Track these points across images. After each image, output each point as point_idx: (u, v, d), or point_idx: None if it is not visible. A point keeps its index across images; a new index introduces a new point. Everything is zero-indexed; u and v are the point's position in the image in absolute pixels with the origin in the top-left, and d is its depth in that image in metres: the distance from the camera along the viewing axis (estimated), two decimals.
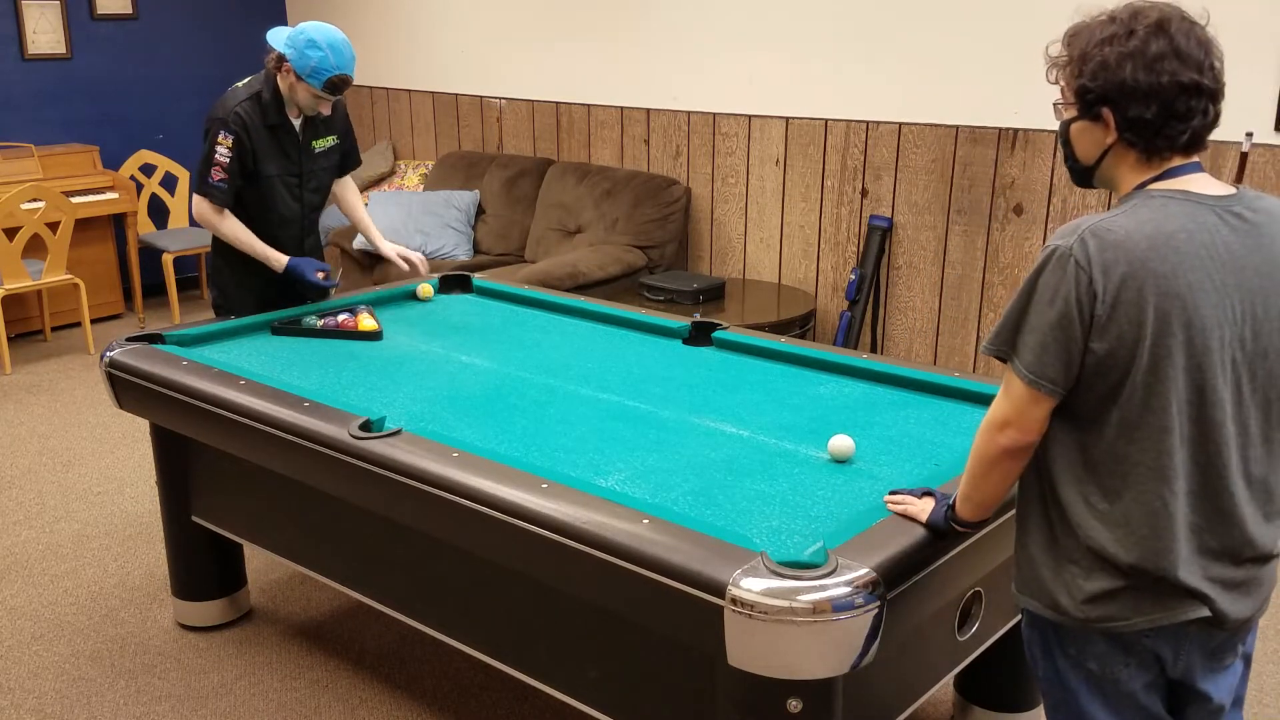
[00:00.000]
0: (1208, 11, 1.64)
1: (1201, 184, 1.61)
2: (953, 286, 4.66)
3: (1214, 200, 1.59)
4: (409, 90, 6.67)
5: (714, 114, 5.27)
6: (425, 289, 3.59)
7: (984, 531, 2.04)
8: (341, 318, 3.29)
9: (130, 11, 6.62)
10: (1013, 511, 2.11)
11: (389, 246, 3.56)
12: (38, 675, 3.07)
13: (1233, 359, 1.58)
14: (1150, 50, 1.55)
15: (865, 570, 1.79)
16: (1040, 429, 1.65)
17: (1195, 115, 1.57)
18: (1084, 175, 1.71)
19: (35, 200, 5.54)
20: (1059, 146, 1.72)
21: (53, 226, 5.55)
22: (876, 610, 1.77)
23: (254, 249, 3.34)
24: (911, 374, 2.80)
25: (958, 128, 4.50)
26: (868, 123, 4.76)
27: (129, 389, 2.97)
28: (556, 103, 5.93)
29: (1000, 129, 4.38)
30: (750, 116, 5.13)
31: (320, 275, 3.36)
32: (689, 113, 5.36)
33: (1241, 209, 1.60)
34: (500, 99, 6.21)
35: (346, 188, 3.66)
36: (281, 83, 3.25)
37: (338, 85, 3.16)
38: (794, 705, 1.86)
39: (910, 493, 2.03)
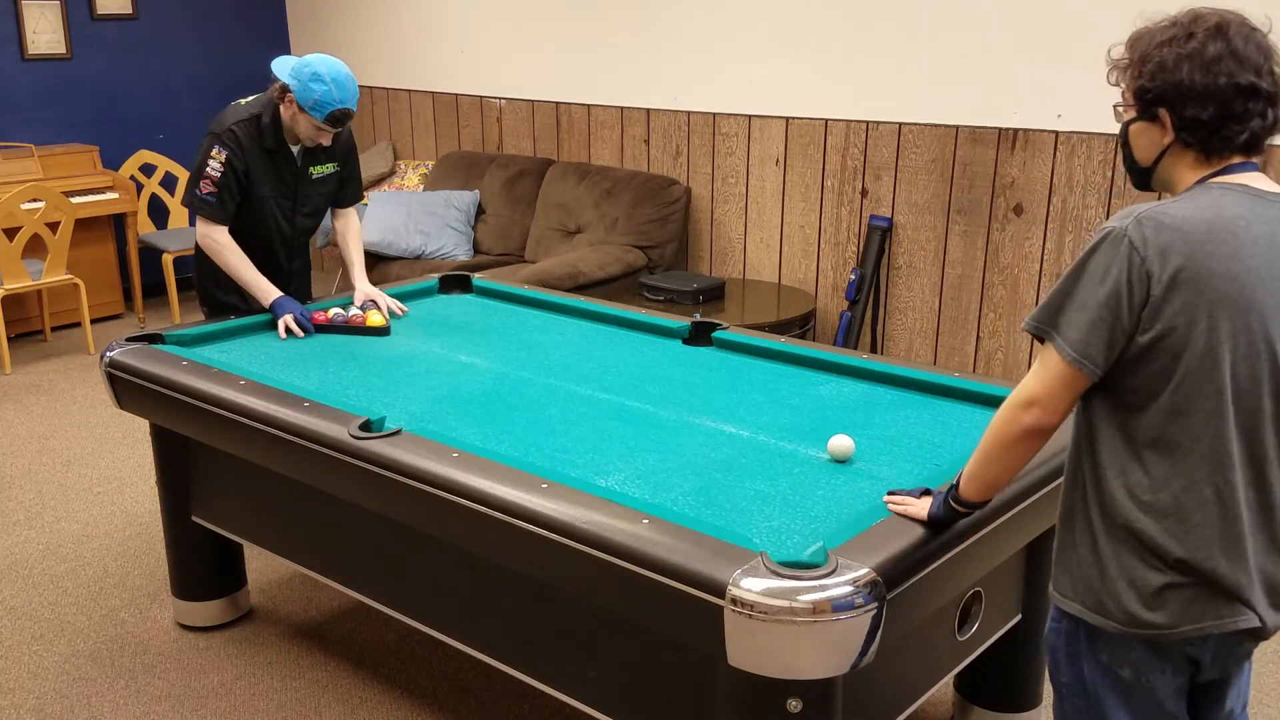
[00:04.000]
0: (1270, 19, 1.65)
1: (1261, 182, 1.62)
2: (953, 286, 4.66)
3: (1274, 196, 1.61)
4: (409, 90, 6.67)
5: (714, 114, 5.27)
6: (377, 317, 3.31)
7: (984, 532, 2.04)
8: (350, 313, 3.30)
9: (130, 11, 6.62)
10: (1013, 512, 2.12)
11: (362, 287, 3.47)
12: (38, 675, 3.07)
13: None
14: (1208, 52, 1.57)
15: (865, 570, 1.79)
16: (1064, 413, 1.65)
17: (1253, 117, 1.58)
18: (1142, 176, 1.71)
19: (35, 200, 5.54)
20: (1118, 149, 1.76)
21: (53, 226, 5.56)
22: (876, 610, 1.77)
23: (243, 277, 3.31)
24: (911, 374, 2.80)
25: (958, 128, 4.50)
26: (868, 123, 4.76)
27: (129, 389, 2.97)
28: (556, 103, 5.93)
29: (1000, 129, 4.38)
30: (750, 116, 5.14)
31: (297, 329, 3.21)
32: (689, 113, 5.36)
33: None
34: (500, 99, 6.22)
35: (346, 222, 3.61)
36: (284, 111, 3.24)
37: (339, 119, 3.17)
38: (794, 705, 1.86)
39: (909, 493, 2.03)
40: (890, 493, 2.07)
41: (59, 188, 5.80)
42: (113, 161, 6.59)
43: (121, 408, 3.06)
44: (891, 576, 1.82)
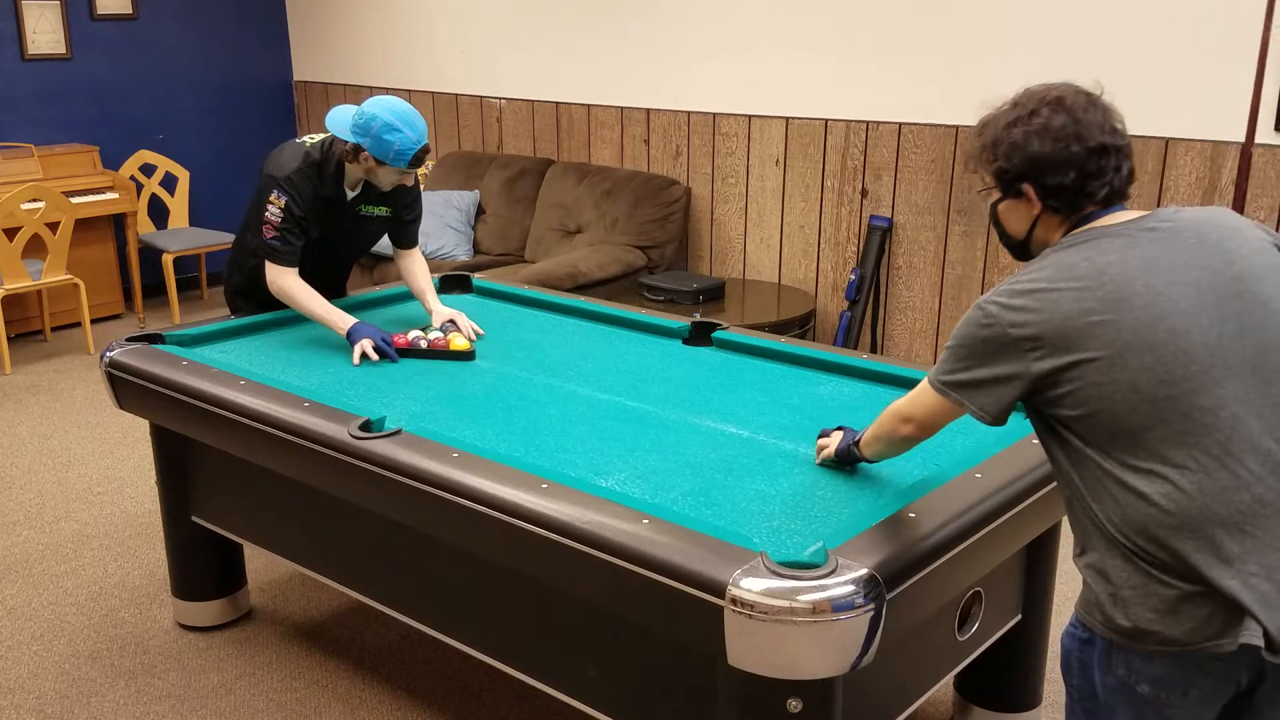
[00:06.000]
0: (1100, 83, 1.78)
1: (1115, 218, 1.69)
2: (953, 286, 4.66)
3: (1122, 225, 1.66)
4: (409, 90, 6.67)
5: (714, 114, 5.27)
6: (460, 341, 3.16)
7: (984, 532, 2.04)
8: (432, 336, 3.17)
9: (130, 11, 6.62)
10: (1013, 512, 2.12)
11: (439, 309, 3.36)
12: (38, 675, 3.07)
13: (1202, 344, 1.56)
14: (1054, 125, 1.67)
15: (865, 570, 1.80)
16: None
17: (1109, 172, 1.68)
18: (1020, 249, 1.81)
19: (35, 200, 5.54)
20: (994, 229, 1.86)
21: (53, 226, 5.56)
22: (876, 610, 1.77)
23: (316, 314, 3.18)
24: (911, 374, 2.80)
25: (958, 128, 4.50)
26: (868, 123, 4.76)
27: (129, 389, 2.97)
28: (556, 103, 5.93)
29: None
30: (750, 116, 5.14)
31: (374, 355, 3.07)
32: (689, 113, 5.36)
33: (1154, 223, 1.66)
34: (500, 99, 6.22)
35: (412, 260, 3.48)
36: (357, 169, 3.15)
37: (421, 158, 3.08)
38: (794, 705, 1.86)
39: (826, 433, 2.32)
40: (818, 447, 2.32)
41: (59, 188, 5.80)
42: (113, 161, 6.59)
43: (121, 408, 3.06)
44: (891, 576, 1.82)
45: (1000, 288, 1.67)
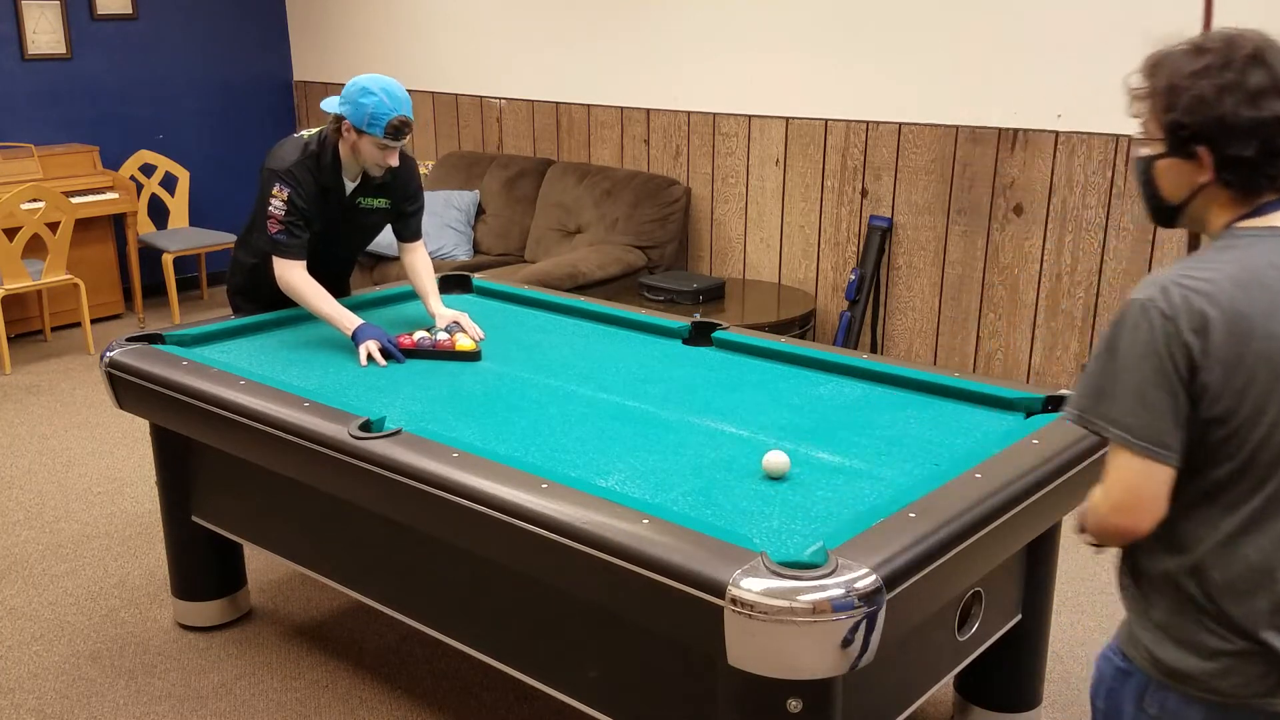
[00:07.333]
0: None
1: None
2: (953, 286, 4.66)
3: None
4: (409, 90, 6.67)
5: (714, 114, 5.27)
6: (466, 342, 3.13)
7: (984, 532, 2.04)
8: (438, 337, 3.15)
9: (130, 11, 6.62)
10: (1013, 512, 2.12)
11: (443, 311, 3.34)
12: (38, 675, 3.07)
13: None
14: (1250, 83, 1.43)
15: (865, 570, 1.80)
16: (1160, 509, 1.47)
17: None
18: (1168, 215, 1.57)
19: (35, 200, 5.54)
20: (1138, 185, 1.58)
21: (53, 226, 5.56)
22: (876, 610, 1.77)
23: (323, 311, 3.16)
24: (911, 374, 2.80)
25: (958, 128, 4.50)
26: (868, 123, 4.76)
27: (129, 389, 2.97)
28: (556, 103, 5.93)
29: (1000, 129, 4.38)
30: (750, 116, 5.14)
31: (380, 359, 3.04)
32: (689, 113, 5.36)
33: None
34: (500, 99, 6.22)
35: (415, 255, 3.46)
36: (344, 146, 3.14)
37: (399, 129, 3.04)
38: (794, 705, 1.86)
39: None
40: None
41: (59, 188, 5.80)
42: (113, 161, 6.59)
43: (121, 408, 3.06)
44: (891, 576, 1.82)
45: (1172, 274, 1.44)
